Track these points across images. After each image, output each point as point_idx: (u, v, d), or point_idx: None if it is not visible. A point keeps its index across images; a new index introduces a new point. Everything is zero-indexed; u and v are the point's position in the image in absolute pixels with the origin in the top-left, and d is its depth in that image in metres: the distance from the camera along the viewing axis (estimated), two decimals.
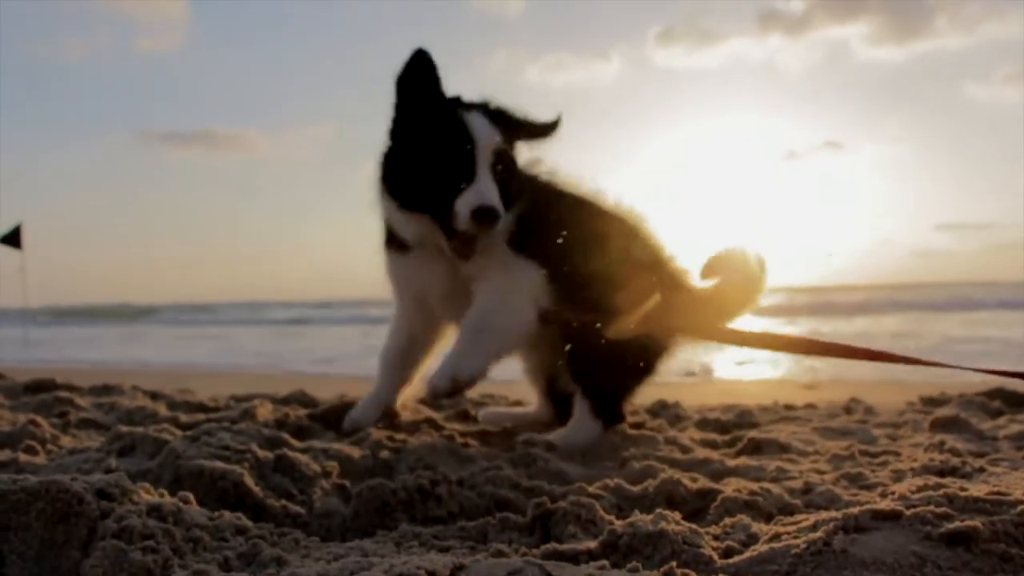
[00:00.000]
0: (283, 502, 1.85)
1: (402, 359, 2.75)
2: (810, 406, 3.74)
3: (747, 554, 1.33)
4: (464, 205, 2.17)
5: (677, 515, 1.45)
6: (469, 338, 2.32)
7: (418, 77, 2.29)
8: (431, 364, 2.73)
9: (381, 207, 2.44)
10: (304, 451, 2.20)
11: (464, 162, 2.21)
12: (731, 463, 2.26)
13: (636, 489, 1.91)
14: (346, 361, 8.99)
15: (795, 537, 1.34)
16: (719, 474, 2.14)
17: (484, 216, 2.15)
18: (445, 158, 2.23)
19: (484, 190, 2.18)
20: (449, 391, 2.27)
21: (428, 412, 3.22)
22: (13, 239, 12.12)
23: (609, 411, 2.57)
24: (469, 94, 2.40)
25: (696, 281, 2.60)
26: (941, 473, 2.02)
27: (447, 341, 2.67)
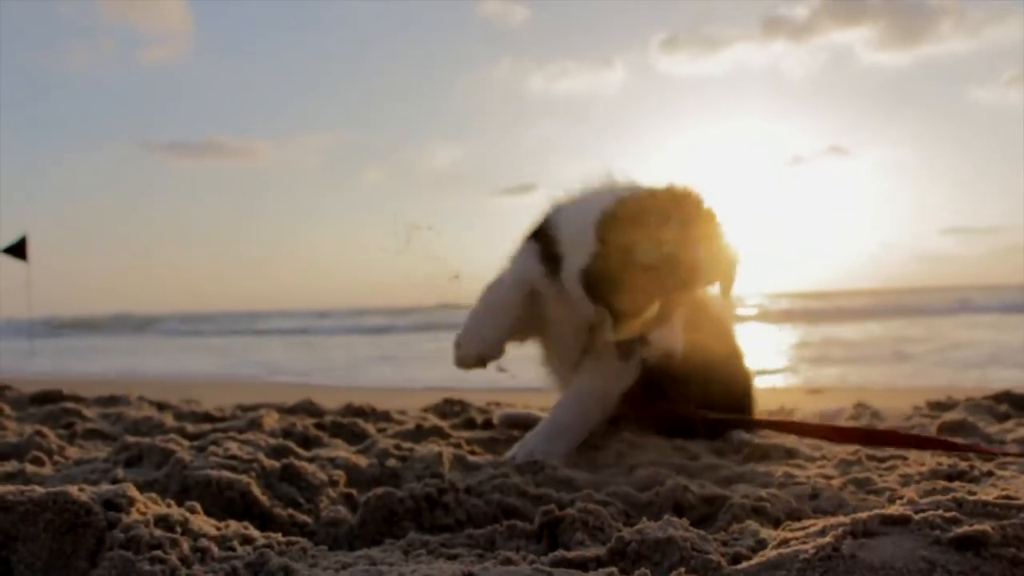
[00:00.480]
0: (290, 511, 1.85)
1: None
2: (816, 411, 3.73)
3: (756, 560, 1.32)
4: (653, 344, 2.33)
5: (685, 521, 1.45)
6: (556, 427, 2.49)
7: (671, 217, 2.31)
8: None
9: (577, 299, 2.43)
10: (311, 460, 2.20)
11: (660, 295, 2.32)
12: (738, 469, 2.26)
13: (644, 496, 1.91)
14: (351, 371, 9.00)
15: (804, 542, 1.34)
16: (726, 480, 2.14)
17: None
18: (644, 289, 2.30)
19: (671, 335, 2.34)
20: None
21: (435, 420, 3.22)
22: (18, 250, 12.17)
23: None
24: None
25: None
26: (949, 477, 2.01)
27: None
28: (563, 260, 2.46)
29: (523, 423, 2.93)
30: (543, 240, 2.53)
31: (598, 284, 2.36)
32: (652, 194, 2.35)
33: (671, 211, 2.30)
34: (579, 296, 2.40)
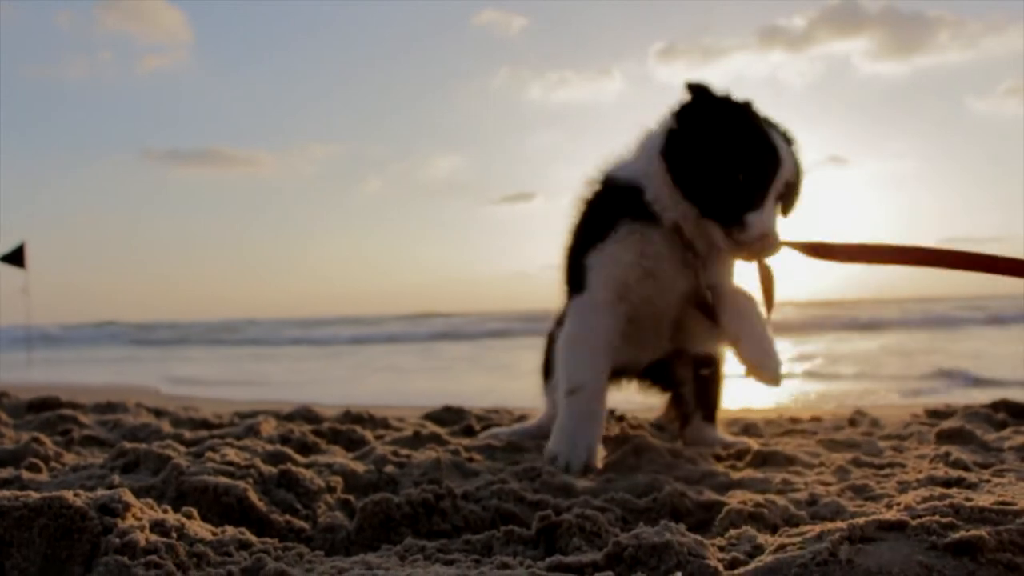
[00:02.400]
0: (287, 517, 1.85)
1: None
2: (815, 419, 3.74)
3: (752, 565, 1.32)
4: (755, 225, 2.31)
5: (682, 527, 1.45)
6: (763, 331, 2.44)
7: (709, 94, 2.40)
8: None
9: (664, 201, 2.44)
10: (308, 466, 2.20)
11: (763, 182, 2.33)
12: (736, 475, 2.26)
13: (641, 502, 1.90)
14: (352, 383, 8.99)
15: (800, 548, 1.34)
16: (724, 486, 2.14)
17: (767, 243, 2.36)
18: (750, 173, 2.32)
19: (772, 218, 2.35)
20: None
21: (433, 427, 3.22)
22: (16, 258, 12.16)
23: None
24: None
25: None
26: (946, 484, 2.01)
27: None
28: (640, 182, 2.44)
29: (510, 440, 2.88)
30: (614, 205, 2.50)
31: (688, 168, 2.36)
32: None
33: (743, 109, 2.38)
34: (670, 200, 2.39)
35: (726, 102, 2.39)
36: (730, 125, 2.35)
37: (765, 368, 2.32)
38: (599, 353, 2.47)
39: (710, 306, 2.48)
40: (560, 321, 2.73)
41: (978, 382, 6.65)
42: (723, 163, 2.32)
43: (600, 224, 2.51)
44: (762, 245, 2.35)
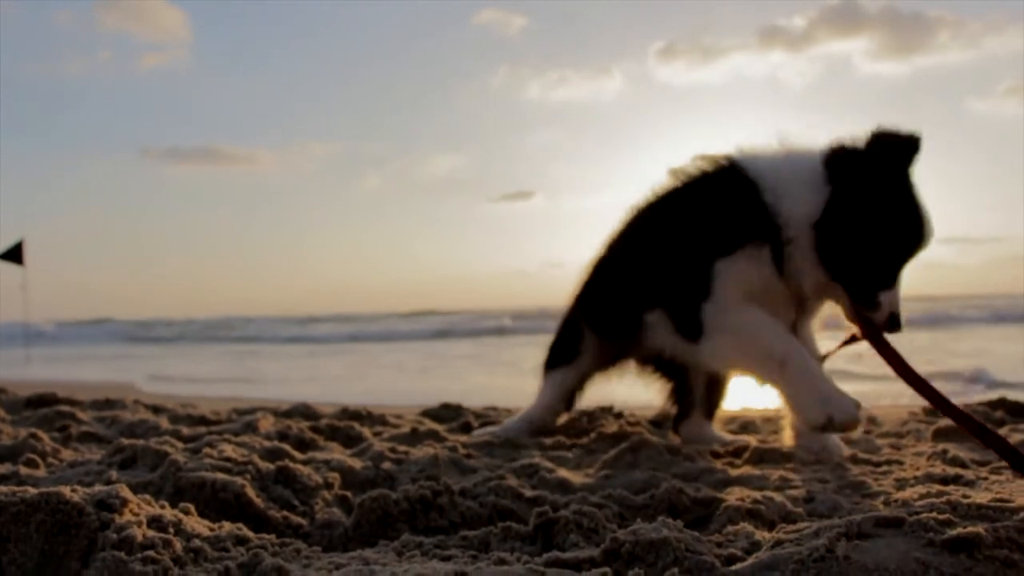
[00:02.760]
0: (284, 513, 1.85)
1: None
2: None
3: (750, 561, 1.32)
4: (886, 306, 2.25)
5: (679, 523, 1.45)
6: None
7: (901, 160, 2.26)
8: None
9: (801, 266, 2.32)
10: (306, 463, 2.19)
11: (906, 259, 2.27)
12: (734, 472, 2.26)
13: (639, 498, 1.90)
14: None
15: (798, 544, 1.34)
16: (722, 483, 2.14)
17: (895, 324, 2.26)
18: (900, 253, 2.25)
19: (899, 295, 2.27)
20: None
21: (431, 424, 3.22)
22: (15, 255, 12.15)
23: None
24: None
25: None
26: (944, 481, 2.01)
27: None
28: (779, 218, 2.31)
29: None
30: (739, 200, 2.37)
31: (837, 243, 2.24)
32: (887, 132, 2.26)
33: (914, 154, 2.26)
34: (804, 263, 2.29)
35: (893, 166, 2.24)
36: (894, 200, 2.23)
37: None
38: (772, 322, 2.34)
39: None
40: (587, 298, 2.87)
41: (993, 385, 6.45)
42: (878, 245, 2.24)
43: (731, 230, 2.38)
44: (885, 324, 2.26)
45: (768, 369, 2.28)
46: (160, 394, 6.19)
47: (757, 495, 1.84)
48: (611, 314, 2.83)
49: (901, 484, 2.03)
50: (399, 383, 8.53)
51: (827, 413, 2.13)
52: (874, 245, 2.23)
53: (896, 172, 2.25)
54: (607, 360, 3.01)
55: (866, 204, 2.23)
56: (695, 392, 2.93)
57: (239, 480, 1.89)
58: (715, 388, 2.94)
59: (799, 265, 2.32)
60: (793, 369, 2.22)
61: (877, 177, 2.23)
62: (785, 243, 2.32)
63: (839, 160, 2.28)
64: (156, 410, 3.76)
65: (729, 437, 2.92)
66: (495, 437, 2.84)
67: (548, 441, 2.86)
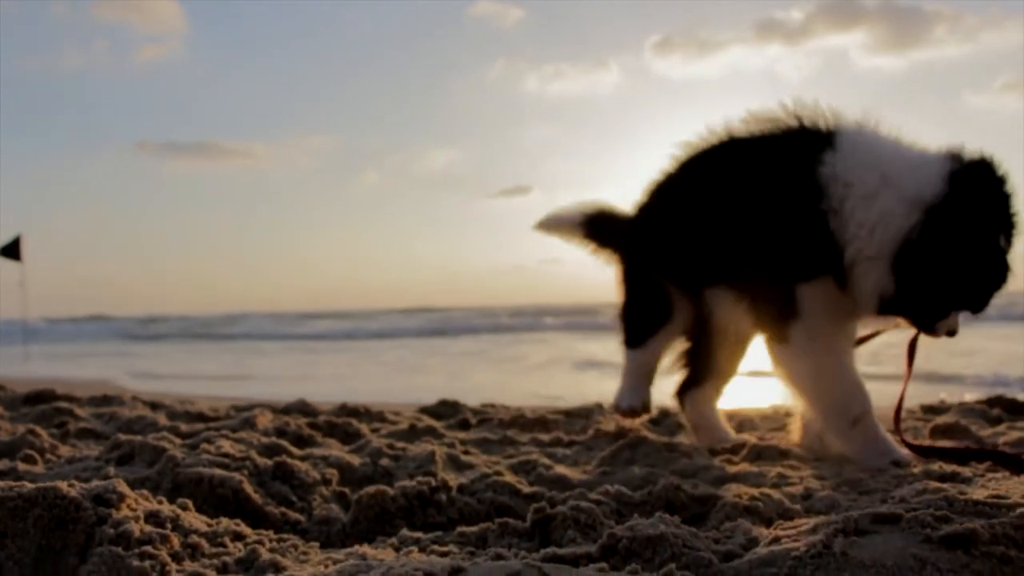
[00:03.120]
0: (282, 509, 1.85)
1: None
2: None
3: (747, 557, 1.32)
4: (944, 328, 2.18)
5: (676, 519, 1.45)
6: None
7: (1003, 194, 2.09)
8: None
9: (875, 276, 2.13)
10: (304, 459, 2.20)
11: (981, 303, 2.17)
12: (732, 469, 2.26)
13: (637, 495, 1.90)
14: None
15: (795, 540, 1.34)
16: (720, 480, 2.14)
17: (951, 334, 2.21)
18: (980, 289, 2.13)
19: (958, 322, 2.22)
20: None
21: (429, 421, 3.22)
22: (12, 251, 12.13)
23: None
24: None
25: None
26: (941, 478, 2.01)
27: None
28: (846, 232, 2.13)
29: None
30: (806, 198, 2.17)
31: (919, 275, 2.06)
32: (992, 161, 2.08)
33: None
34: (870, 288, 2.14)
35: (988, 208, 2.06)
36: (981, 249, 2.06)
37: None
38: (853, 372, 2.30)
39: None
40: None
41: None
42: (958, 292, 2.12)
43: (814, 251, 2.19)
44: (943, 335, 2.22)
45: (837, 420, 2.29)
46: (145, 391, 6.18)
47: (755, 492, 1.84)
48: (689, 267, 2.59)
49: (898, 481, 2.04)
50: (397, 380, 8.53)
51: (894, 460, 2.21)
52: (953, 295, 2.12)
53: (1003, 207, 2.09)
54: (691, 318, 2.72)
55: (954, 253, 2.04)
56: (714, 360, 2.75)
57: (237, 476, 1.89)
58: (732, 361, 2.77)
59: (866, 303, 2.19)
60: (863, 427, 2.27)
61: (988, 209, 2.07)
62: (856, 294, 2.19)
63: (964, 179, 2.05)
64: (154, 406, 3.76)
65: (733, 435, 2.81)
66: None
67: (546, 438, 2.86)
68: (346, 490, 2.02)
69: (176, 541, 1.43)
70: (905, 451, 2.26)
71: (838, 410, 2.28)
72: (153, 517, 1.49)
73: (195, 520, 1.58)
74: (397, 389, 7.13)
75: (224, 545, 1.49)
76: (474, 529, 1.62)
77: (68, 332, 26.41)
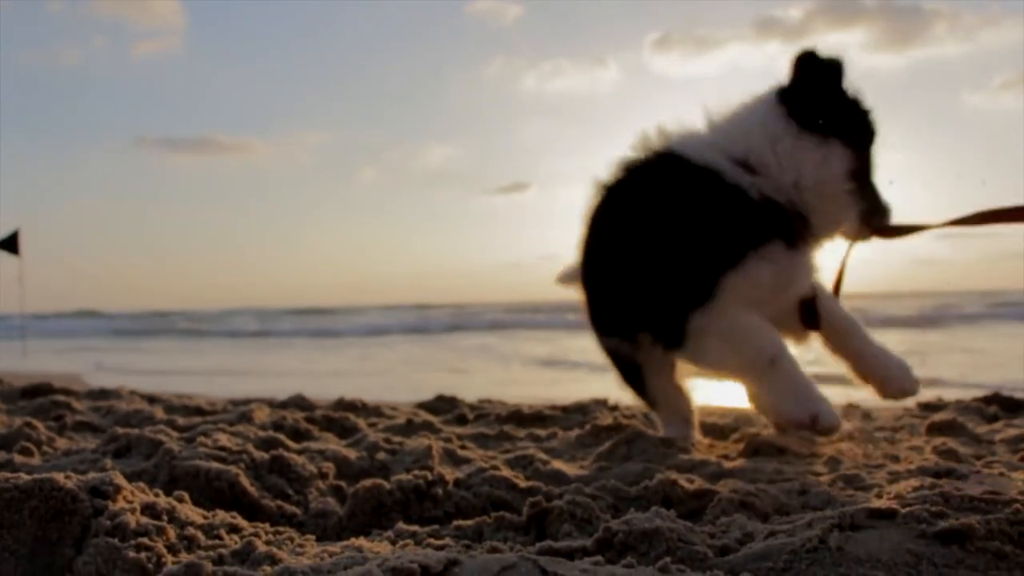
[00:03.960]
0: (279, 502, 1.85)
1: None
2: None
3: (743, 551, 1.33)
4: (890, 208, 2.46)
5: (672, 513, 1.45)
6: None
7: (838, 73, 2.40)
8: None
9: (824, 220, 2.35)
10: (300, 452, 2.20)
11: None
12: (728, 465, 2.26)
13: (633, 490, 1.90)
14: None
15: (791, 535, 1.34)
16: (716, 475, 2.14)
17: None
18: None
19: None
20: None
21: (426, 416, 3.22)
22: (10, 245, 12.10)
23: None
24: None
25: None
26: (937, 475, 2.02)
27: None
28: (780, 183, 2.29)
29: None
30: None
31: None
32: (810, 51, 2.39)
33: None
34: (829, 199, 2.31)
35: (836, 78, 2.37)
36: (854, 105, 2.39)
37: (899, 380, 2.38)
38: (765, 325, 2.29)
39: (812, 310, 2.44)
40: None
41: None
42: (861, 150, 2.38)
43: (739, 239, 2.25)
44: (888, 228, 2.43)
45: (755, 367, 2.25)
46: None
47: (751, 487, 1.84)
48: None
49: (895, 477, 2.04)
50: (394, 376, 8.53)
51: (813, 412, 2.15)
52: (860, 151, 2.35)
53: (839, 84, 2.36)
54: None
55: (837, 119, 2.32)
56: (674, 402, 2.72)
57: (233, 469, 1.89)
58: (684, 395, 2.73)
59: (823, 225, 2.35)
60: (782, 368, 2.22)
61: (835, 90, 2.35)
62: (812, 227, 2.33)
63: (796, 90, 2.36)
64: (151, 400, 3.76)
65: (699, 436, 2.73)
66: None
67: (542, 433, 2.86)
68: (342, 484, 2.02)
69: (172, 533, 1.44)
70: (835, 412, 2.19)
71: (752, 357, 2.25)
72: (149, 509, 1.49)
73: (191, 512, 1.58)
74: (394, 385, 7.12)
75: (220, 537, 1.49)
76: (470, 523, 1.62)
77: (58, 329, 26.30)
